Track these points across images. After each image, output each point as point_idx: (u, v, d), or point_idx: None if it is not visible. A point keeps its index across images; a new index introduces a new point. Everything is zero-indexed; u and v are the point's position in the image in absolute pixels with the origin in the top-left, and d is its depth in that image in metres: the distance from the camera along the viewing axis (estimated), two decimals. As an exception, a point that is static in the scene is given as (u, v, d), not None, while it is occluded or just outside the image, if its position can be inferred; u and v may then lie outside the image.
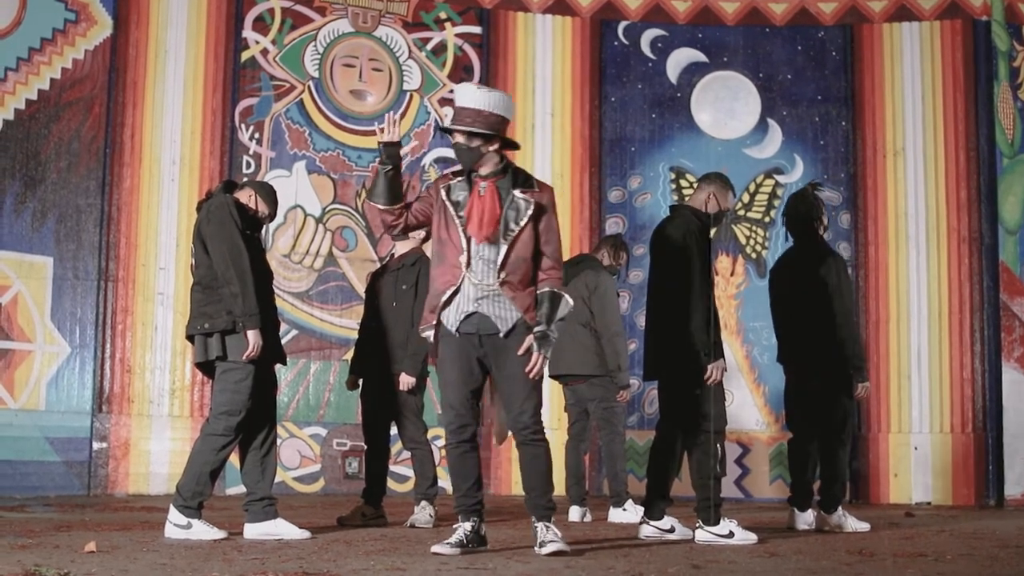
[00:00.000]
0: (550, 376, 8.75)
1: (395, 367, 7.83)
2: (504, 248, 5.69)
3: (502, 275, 5.68)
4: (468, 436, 5.78)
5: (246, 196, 6.74)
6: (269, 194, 6.86)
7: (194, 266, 6.63)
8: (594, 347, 8.39)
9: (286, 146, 11.45)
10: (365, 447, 8.11)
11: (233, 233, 6.45)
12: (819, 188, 8.12)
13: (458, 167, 5.90)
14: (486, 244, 5.69)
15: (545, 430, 5.80)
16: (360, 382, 8.16)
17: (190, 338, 6.61)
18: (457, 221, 5.73)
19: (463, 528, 5.71)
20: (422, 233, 7.89)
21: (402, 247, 8.11)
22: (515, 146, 5.93)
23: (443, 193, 5.79)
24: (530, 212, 5.72)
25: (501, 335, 5.69)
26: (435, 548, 5.61)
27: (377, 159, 5.97)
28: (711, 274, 6.88)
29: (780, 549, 6.22)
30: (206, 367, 6.62)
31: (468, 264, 5.70)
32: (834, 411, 7.73)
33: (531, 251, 5.77)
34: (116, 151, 10.81)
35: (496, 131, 5.72)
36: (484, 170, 5.77)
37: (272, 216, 6.93)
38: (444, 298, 5.74)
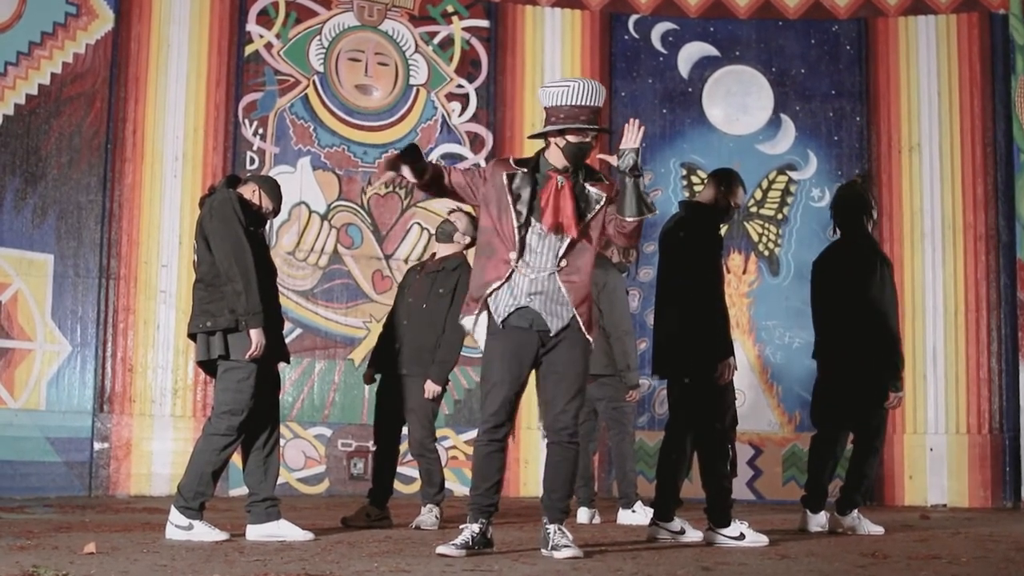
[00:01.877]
0: None
1: (416, 369, 7.81)
2: (569, 237, 5.72)
3: (563, 261, 5.74)
4: (501, 436, 5.81)
5: (250, 191, 6.73)
6: (273, 189, 6.85)
7: (196, 263, 6.63)
8: (603, 346, 8.36)
9: (290, 142, 11.46)
10: (374, 446, 8.11)
11: (236, 229, 6.44)
12: (866, 180, 8.09)
13: (517, 157, 5.97)
14: (541, 236, 5.73)
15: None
16: (377, 378, 8.16)
17: (192, 336, 6.61)
18: (514, 214, 5.74)
19: (470, 529, 5.71)
20: (467, 239, 7.90)
21: (444, 249, 8.07)
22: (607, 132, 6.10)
23: (505, 180, 5.80)
24: (600, 204, 5.81)
25: (551, 333, 5.73)
26: (440, 549, 5.62)
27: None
28: (721, 272, 6.87)
29: (792, 551, 6.22)
30: (208, 366, 6.62)
31: (519, 258, 5.73)
32: (871, 417, 7.71)
33: (596, 239, 5.88)
34: (118, 147, 10.82)
35: (601, 127, 5.84)
36: (559, 163, 5.80)
37: (276, 212, 6.93)
38: (490, 290, 5.77)
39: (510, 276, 5.74)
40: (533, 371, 5.88)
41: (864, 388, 7.66)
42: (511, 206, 5.75)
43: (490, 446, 5.79)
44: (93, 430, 10.47)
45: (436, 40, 11.94)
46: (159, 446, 10.68)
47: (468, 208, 8.58)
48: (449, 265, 7.93)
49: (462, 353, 7.95)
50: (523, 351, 5.76)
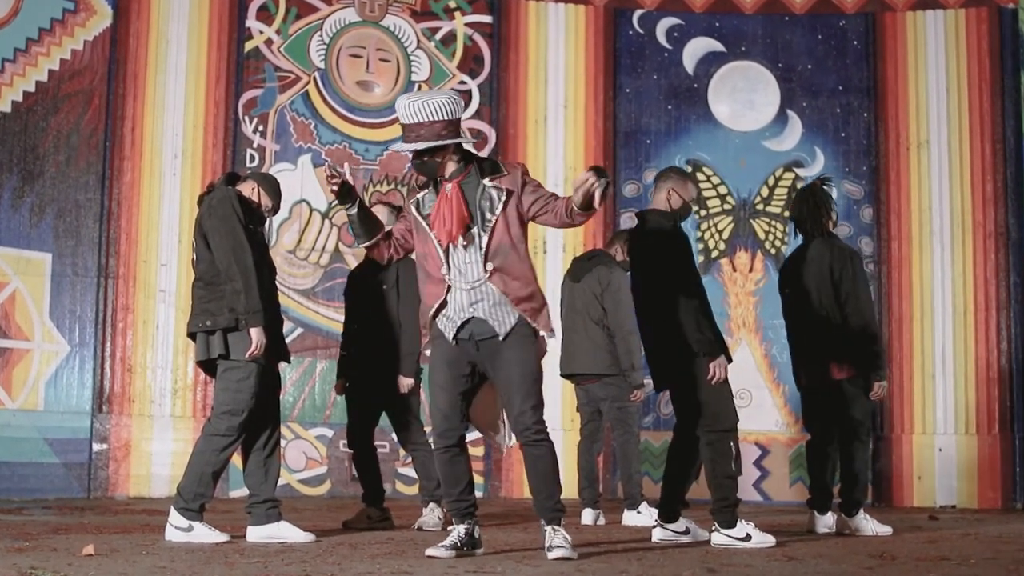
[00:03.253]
0: (561, 375, 8.75)
1: (385, 368, 7.86)
2: (485, 238, 5.70)
3: (488, 265, 5.69)
4: (455, 440, 5.81)
5: (249, 189, 6.74)
6: (273, 187, 6.85)
7: (195, 261, 6.63)
8: (607, 345, 8.37)
9: (291, 139, 11.46)
10: (351, 451, 8.15)
11: (236, 228, 6.44)
12: (828, 182, 8.10)
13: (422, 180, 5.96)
14: (463, 244, 5.71)
15: (550, 430, 5.80)
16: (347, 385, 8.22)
17: (192, 335, 6.61)
18: (431, 233, 5.76)
19: (457, 531, 5.75)
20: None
21: None
22: (467, 141, 5.87)
23: (414, 209, 5.84)
24: (503, 199, 5.72)
25: (500, 338, 5.71)
26: (429, 551, 5.66)
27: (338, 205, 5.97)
28: (693, 273, 6.86)
29: (798, 552, 6.22)
30: (208, 365, 6.62)
31: (449, 271, 5.72)
32: (851, 410, 7.71)
33: (516, 235, 5.75)
34: (116, 144, 10.83)
35: (443, 138, 5.70)
36: (447, 172, 5.79)
37: (276, 209, 6.93)
38: (431, 312, 5.79)
39: (448, 292, 5.75)
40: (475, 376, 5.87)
41: (840, 382, 7.66)
42: (427, 228, 5.76)
43: (448, 452, 5.80)
44: (92, 431, 10.48)
45: (438, 36, 11.94)
46: (158, 447, 10.69)
47: (388, 199, 8.66)
48: None
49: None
50: (466, 356, 5.77)
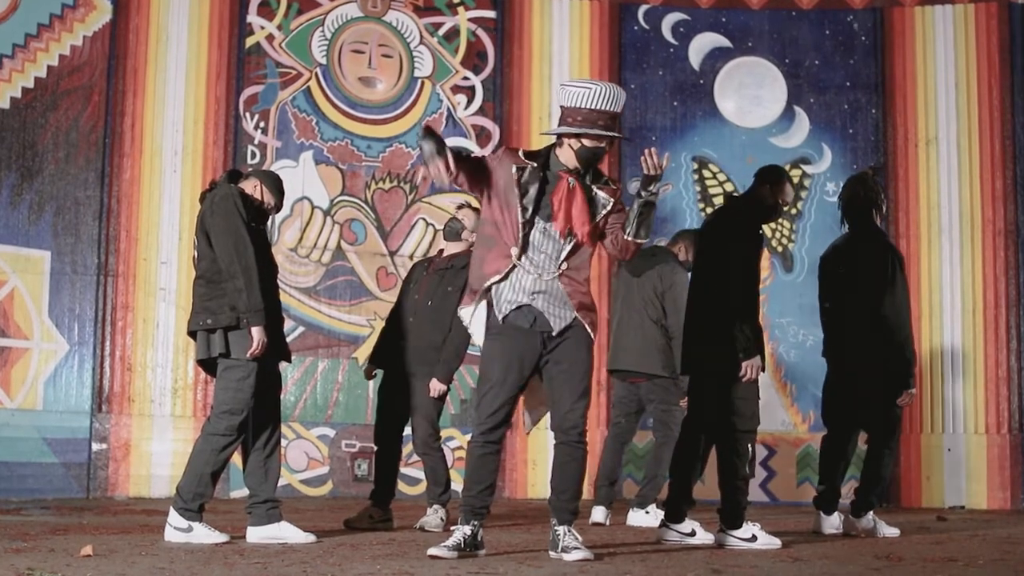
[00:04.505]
0: (608, 370, 8.71)
1: (421, 368, 7.84)
2: (573, 238, 5.75)
3: (563, 265, 5.76)
4: (497, 438, 5.84)
5: (251, 186, 6.74)
6: (275, 184, 6.86)
7: (196, 259, 6.64)
8: (662, 346, 8.30)
9: (292, 135, 11.46)
10: (376, 446, 8.12)
11: (238, 225, 6.45)
12: (878, 173, 8.09)
13: (527, 149, 6.01)
14: (539, 231, 5.75)
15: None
16: (376, 374, 8.18)
17: (192, 334, 6.62)
18: (519, 209, 5.75)
19: (462, 531, 5.75)
20: (475, 236, 7.91)
21: (452, 247, 8.11)
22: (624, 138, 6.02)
23: (515, 173, 5.80)
24: (607, 209, 5.83)
25: (554, 333, 5.74)
26: (432, 551, 5.67)
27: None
28: (756, 270, 6.86)
29: (804, 554, 6.22)
30: (208, 364, 6.63)
31: (521, 254, 5.74)
32: (884, 416, 7.70)
33: (595, 243, 5.90)
34: (116, 141, 10.84)
35: (621, 133, 5.91)
36: (570, 163, 5.82)
37: (279, 207, 6.94)
38: (489, 283, 5.80)
39: (511, 271, 5.76)
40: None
41: (875, 386, 7.65)
42: (518, 200, 5.76)
43: (485, 448, 5.81)
44: (91, 430, 10.49)
45: (441, 31, 11.94)
46: (158, 447, 10.69)
47: (476, 204, 8.59)
48: (458, 263, 7.94)
49: (469, 351, 7.95)
50: (525, 353, 5.79)
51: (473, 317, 5.90)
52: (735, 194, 7.15)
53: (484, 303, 5.85)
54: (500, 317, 5.78)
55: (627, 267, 8.56)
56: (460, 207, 8.32)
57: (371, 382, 8.33)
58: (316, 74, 11.61)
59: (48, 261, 10.45)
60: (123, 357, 10.69)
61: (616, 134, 5.78)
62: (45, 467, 10.22)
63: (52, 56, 10.56)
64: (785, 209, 7.43)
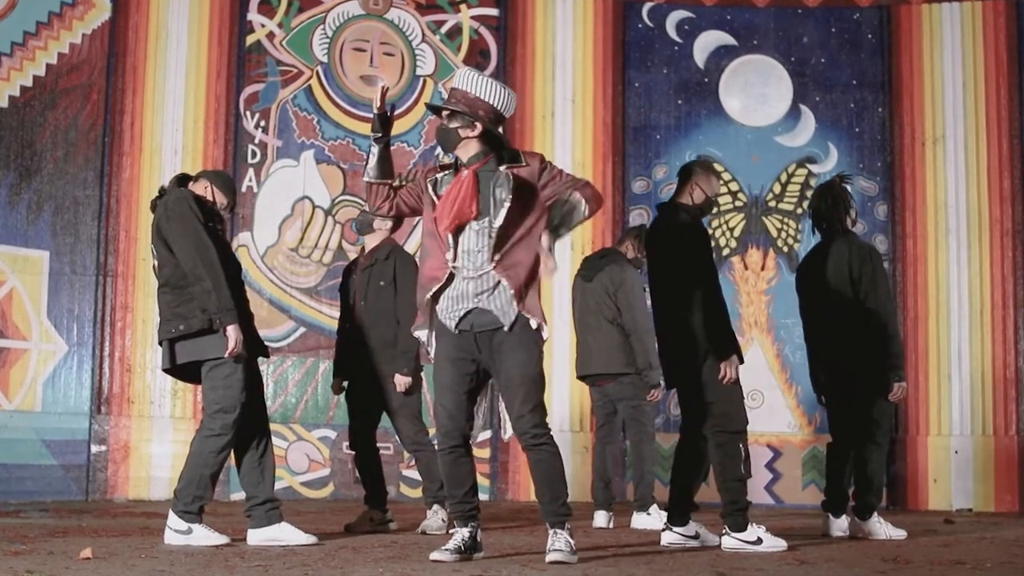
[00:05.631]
0: (578, 377, 8.76)
1: (384, 368, 7.86)
2: (496, 227, 5.68)
3: (496, 255, 5.69)
4: (461, 441, 5.80)
5: (202, 188, 6.73)
6: (226, 183, 6.86)
7: (157, 268, 6.60)
8: (622, 345, 8.40)
9: (293, 134, 11.47)
10: (353, 452, 8.15)
11: (196, 227, 6.42)
12: (848, 180, 8.11)
13: (449, 160, 5.94)
14: (473, 231, 5.71)
15: (560, 432, 5.82)
16: (345, 385, 8.22)
17: (167, 343, 6.55)
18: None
19: (460, 534, 5.74)
20: (389, 223, 7.93)
21: (371, 240, 8.14)
22: (498, 141, 5.84)
23: (430, 187, 5.82)
24: (510, 184, 5.69)
25: (505, 329, 5.69)
26: (434, 555, 5.66)
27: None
28: (711, 269, 6.87)
29: (810, 556, 6.22)
30: (181, 371, 6.62)
31: (455, 258, 5.72)
32: (868, 411, 7.71)
33: (528, 225, 5.74)
34: (115, 140, 10.85)
35: (477, 116, 5.73)
36: (463, 155, 5.79)
37: (232, 207, 6.93)
38: (429, 295, 5.77)
39: (450, 279, 5.74)
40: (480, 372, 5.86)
41: (864, 381, 7.66)
42: (437, 207, 5.76)
43: (453, 452, 5.79)
44: (90, 432, 10.50)
45: (443, 29, 11.94)
46: (158, 448, 10.70)
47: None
48: (380, 255, 8.01)
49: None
50: (470, 352, 5.76)
51: (429, 335, 5.88)
52: (668, 201, 7.12)
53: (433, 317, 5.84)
54: (452, 326, 5.75)
55: (579, 273, 8.75)
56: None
57: (338, 394, 8.35)
58: (317, 72, 11.62)
59: (47, 261, 10.46)
60: (122, 358, 10.70)
61: (448, 108, 5.73)
62: (44, 469, 10.23)
63: (51, 54, 10.57)
64: (717, 200, 7.42)
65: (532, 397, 5.69)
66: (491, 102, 5.75)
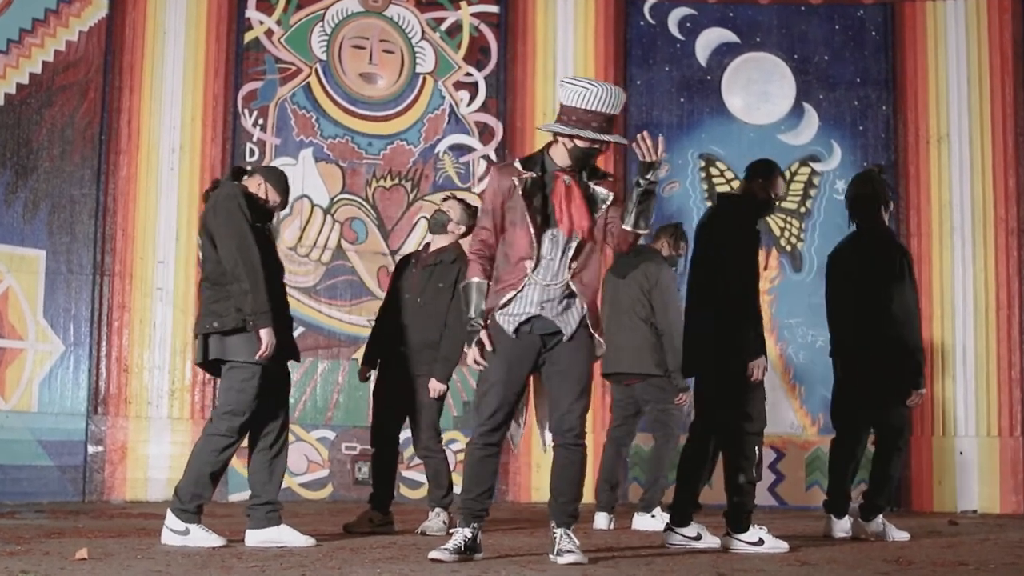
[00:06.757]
0: (603, 375, 8.70)
1: (419, 368, 7.82)
2: (577, 239, 5.76)
3: (574, 266, 5.76)
4: (497, 440, 5.85)
5: (255, 184, 6.74)
6: (280, 181, 6.85)
7: (202, 261, 6.64)
8: (653, 345, 8.33)
9: (292, 133, 11.48)
10: (373, 448, 8.11)
11: (242, 226, 6.44)
12: (883, 171, 8.12)
13: (516, 159, 6.00)
14: (554, 241, 5.76)
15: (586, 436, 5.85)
16: (372, 375, 8.17)
17: (200, 337, 6.59)
18: (529, 221, 5.76)
19: (462, 534, 5.76)
20: (462, 228, 7.90)
21: (439, 240, 8.06)
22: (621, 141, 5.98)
23: (519, 187, 5.80)
24: (606, 204, 5.83)
25: (565, 338, 5.76)
26: (433, 554, 5.69)
27: None
28: (756, 268, 6.87)
29: (812, 558, 6.23)
30: (208, 365, 6.64)
31: (536, 266, 5.75)
32: (892, 417, 7.71)
33: (597, 240, 5.88)
34: (112, 138, 10.86)
35: (618, 136, 5.86)
36: (560, 161, 5.84)
37: (284, 205, 6.94)
38: (503, 300, 5.79)
39: (524, 286, 5.76)
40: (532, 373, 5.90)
41: (884, 386, 7.65)
42: (526, 214, 5.76)
43: (485, 450, 5.83)
44: (87, 433, 10.50)
45: (443, 26, 11.94)
46: (155, 449, 10.71)
47: (462, 195, 8.61)
48: (447, 258, 7.92)
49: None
50: (525, 352, 5.79)
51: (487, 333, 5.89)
52: (727, 192, 7.15)
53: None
54: (512, 331, 5.77)
55: (612, 269, 8.65)
56: (446, 199, 8.32)
57: (364, 381, 8.30)
58: (316, 70, 11.62)
59: (43, 260, 10.46)
60: (119, 358, 10.71)
61: (609, 137, 5.76)
62: (40, 470, 10.24)
63: (47, 51, 10.57)
64: (778, 203, 7.44)
65: (584, 397, 5.79)
66: (616, 113, 5.80)
